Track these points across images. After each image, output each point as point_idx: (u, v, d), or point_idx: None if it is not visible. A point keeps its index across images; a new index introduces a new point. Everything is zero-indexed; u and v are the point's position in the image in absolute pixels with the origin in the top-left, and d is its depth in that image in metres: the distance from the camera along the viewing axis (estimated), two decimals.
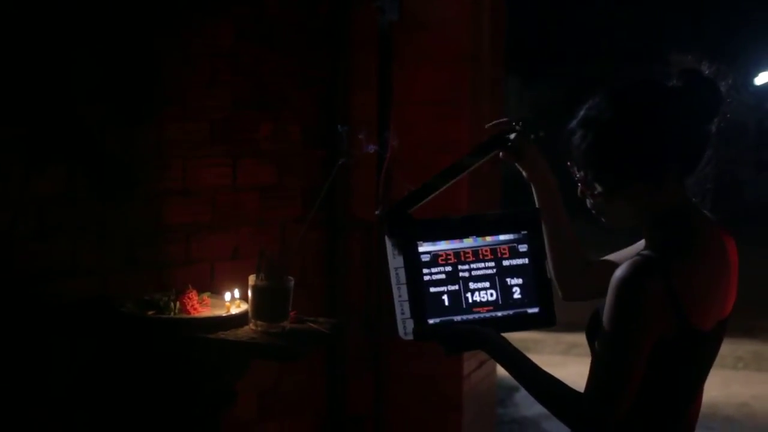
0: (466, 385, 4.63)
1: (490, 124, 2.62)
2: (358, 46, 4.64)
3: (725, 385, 7.77)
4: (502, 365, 2.36)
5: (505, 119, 2.60)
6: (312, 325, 3.18)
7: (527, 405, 6.89)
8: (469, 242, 2.43)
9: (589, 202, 2.35)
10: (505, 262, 2.45)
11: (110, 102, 3.53)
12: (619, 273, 2.17)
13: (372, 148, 4.07)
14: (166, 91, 3.76)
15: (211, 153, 3.98)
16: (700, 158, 2.30)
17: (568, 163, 2.35)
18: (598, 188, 2.29)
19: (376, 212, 2.41)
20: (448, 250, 2.41)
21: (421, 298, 2.37)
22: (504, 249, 2.46)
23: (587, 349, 2.52)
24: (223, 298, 3.23)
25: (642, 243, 2.35)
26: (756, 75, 20.52)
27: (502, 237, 2.46)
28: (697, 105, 2.26)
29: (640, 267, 2.16)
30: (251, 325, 3.08)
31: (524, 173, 2.59)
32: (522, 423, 6.78)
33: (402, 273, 2.37)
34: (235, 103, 4.08)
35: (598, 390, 2.18)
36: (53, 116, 3.34)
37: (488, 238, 2.45)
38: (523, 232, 2.47)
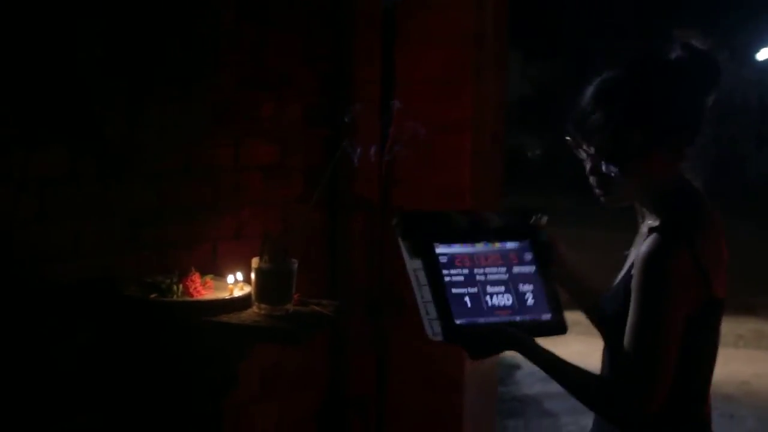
0: (468, 365, 4.61)
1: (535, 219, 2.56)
2: (361, 25, 4.60)
3: (725, 364, 7.71)
4: (536, 364, 2.34)
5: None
6: (315, 307, 3.18)
7: (528, 383, 6.90)
8: (480, 247, 2.43)
9: (593, 179, 2.33)
10: (515, 269, 2.45)
11: (113, 81, 3.50)
12: (645, 248, 2.16)
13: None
14: (168, 70, 3.73)
15: (214, 133, 3.95)
16: (699, 131, 2.30)
17: (569, 139, 2.32)
18: (610, 164, 2.27)
19: (393, 222, 2.39)
20: (463, 253, 2.41)
21: (446, 299, 2.36)
22: (513, 256, 2.46)
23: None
24: (225, 281, 3.22)
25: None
26: (758, 50, 20.46)
27: (509, 245, 2.46)
28: (697, 76, 2.26)
29: (666, 239, 2.15)
30: (255, 308, 3.07)
31: None
32: (523, 401, 6.79)
33: (422, 274, 2.35)
34: (237, 83, 4.05)
35: (634, 373, 2.15)
36: (54, 95, 3.32)
37: (497, 244, 2.45)
38: (525, 241, 2.48)
